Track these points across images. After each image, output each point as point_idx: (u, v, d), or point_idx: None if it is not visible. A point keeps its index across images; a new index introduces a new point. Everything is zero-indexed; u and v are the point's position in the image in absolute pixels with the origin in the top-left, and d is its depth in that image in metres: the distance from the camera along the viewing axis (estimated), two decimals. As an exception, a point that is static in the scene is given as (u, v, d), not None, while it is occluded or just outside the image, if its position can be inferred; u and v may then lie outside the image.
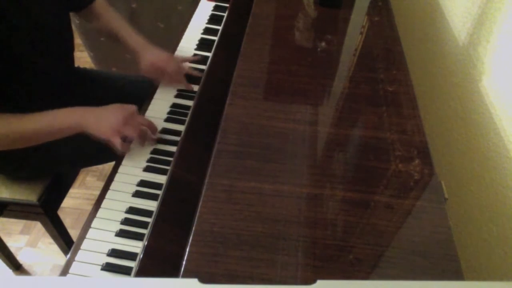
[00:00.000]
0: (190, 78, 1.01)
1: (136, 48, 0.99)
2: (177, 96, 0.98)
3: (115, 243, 0.70)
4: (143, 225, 0.72)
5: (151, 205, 0.76)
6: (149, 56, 0.97)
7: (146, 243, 0.65)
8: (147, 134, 0.85)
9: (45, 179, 1.01)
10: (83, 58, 2.12)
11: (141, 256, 0.64)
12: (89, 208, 0.77)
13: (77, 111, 0.82)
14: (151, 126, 0.86)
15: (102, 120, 0.80)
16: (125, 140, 0.83)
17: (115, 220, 0.74)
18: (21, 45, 0.82)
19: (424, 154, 0.66)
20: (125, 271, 0.67)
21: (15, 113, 0.80)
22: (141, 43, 1.00)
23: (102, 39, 1.70)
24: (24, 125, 0.80)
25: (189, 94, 0.98)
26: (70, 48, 1.02)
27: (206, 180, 0.60)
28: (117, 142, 0.79)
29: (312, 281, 0.36)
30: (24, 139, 0.82)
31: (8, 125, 0.79)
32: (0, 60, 0.80)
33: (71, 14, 1.03)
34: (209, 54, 1.06)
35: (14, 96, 0.88)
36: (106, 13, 1.04)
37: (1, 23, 0.76)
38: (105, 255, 0.69)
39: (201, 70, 1.03)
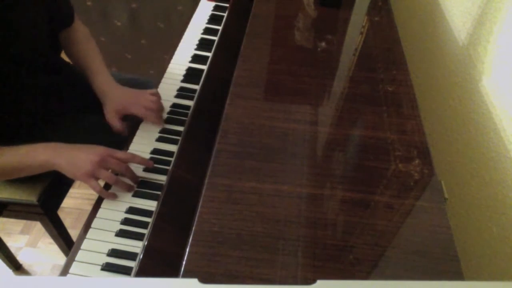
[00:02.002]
0: (189, 78, 1.01)
1: (101, 90, 0.90)
2: (177, 96, 0.98)
3: (115, 243, 0.70)
4: (143, 225, 0.72)
5: (151, 205, 0.76)
6: (115, 104, 0.88)
7: (146, 243, 0.65)
8: (129, 174, 0.78)
9: (45, 179, 1.01)
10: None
11: (141, 256, 0.64)
12: (89, 208, 0.77)
13: (48, 149, 0.77)
14: (135, 159, 0.79)
15: (75, 163, 0.75)
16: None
17: (115, 220, 0.74)
18: (7, 60, 0.80)
19: (424, 154, 0.66)
20: (125, 271, 0.67)
21: (16, 129, 0.79)
22: (108, 86, 0.90)
23: (102, 39, 1.71)
24: None
25: (189, 94, 0.98)
26: (57, 57, 1.00)
27: (206, 180, 0.60)
28: (93, 187, 0.75)
29: (312, 281, 0.36)
30: None
31: None
32: None
33: None
34: (209, 54, 1.06)
35: (13, 99, 0.88)
36: (84, 40, 0.98)
37: None
38: (105, 255, 0.69)
39: (201, 70, 1.03)
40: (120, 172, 0.77)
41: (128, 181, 0.78)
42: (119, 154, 0.78)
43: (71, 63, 1.03)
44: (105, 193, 0.76)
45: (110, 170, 0.78)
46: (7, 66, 0.81)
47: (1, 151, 0.77)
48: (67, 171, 0.76)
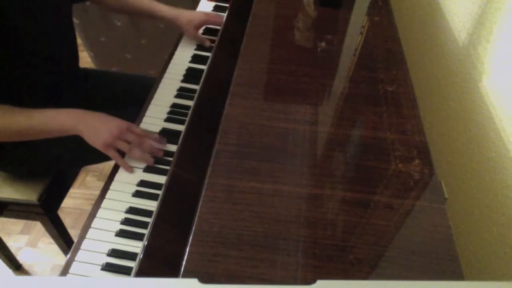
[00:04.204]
0: (189, 78, 1.01)
1: (174, 16, 1.06)
2: (177, 96, 0.98)
3: (115, 243, 0.70)
4: (143, 225, 0.72)
5: (151, 205, 0.76)
6: (192, 20, 1.06)
7: (146, 243, 0.65)
8: (146, 146, 0.83)
9: (45, 179, 1.01)
10: (83, 58, 2.11)
11: (141, 256, 0.64)
12: (89, 208, 0.77)
13: (73, 114, 0.82)
14: (150, 135, 0.84)
15: (97, 131, 0.81)
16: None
17: (115, 220, 0.74)
18: (24, 44, 0.82)
19: (424, 154, 0.66)
20: (125, 271, 0.67)
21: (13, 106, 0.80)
22: (175, 10, 1.06)
23: (102, 39, 1.70)
24: (20, 121, 0.80)
25: (189, 94, 0.98)
26: (74, 49, 1.02)
27: (206, 180, 0.60)
28: (112, 155, 0.81)
29: (312, 281, 0.36)
30: (18, 134, 0.82)
31: (2, 119, 0.79)
32: (3, 59, 0.80)
33: (78, 8, 1.02)
34: (209, 54, 1.06)
35: (15, 94, 0.88)
36: None
37: (3, 22, 0.76)
38: (105, 255, 0.69)
39: (201, 70, 1.03)
40: (137, 145, 0.82)
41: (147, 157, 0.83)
42: (137, 129, 0.84)
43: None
44: (123, 163, 0.81)
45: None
46: (24, 41, 0.83)
47: (29, 112, 0.81)
48: (88, 139, 0.81)
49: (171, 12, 1.07)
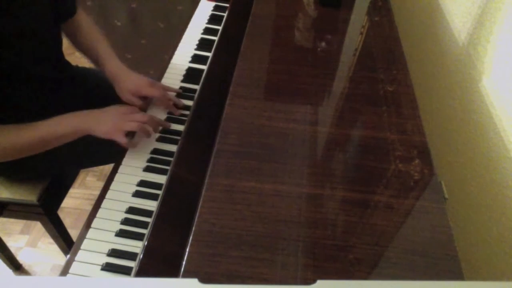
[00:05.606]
0: (189, 78, 1.01)
1: (114, 73, 0.93)
2: (177, 96, 0.98)
3: (115, 243, 0.70)
4: (143, 225, 0.72)
5: (151, 205, 0.76)
6: (129, 84, 0.91)
7: (146, 243, 0.65)
8: (152, 124, 0.84)
9: (45, 179, 1.01)
10: (83, 58, 2.11)
11: (141, 256, 0.64)
12: (89, 208, 0.77)
13: (77, 116, 0.83)
14: (153, 121, 0.85)
15: (102, 121, 0.81)
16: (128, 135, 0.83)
17: (115, 220, 0.74)
18: (11, 51, 0.81)
19: (424, 154, 0.66)
20: (125, 271, 0.67)
21: (16, 123, 0.80)
22: (120, 69, 0.94)
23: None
24: (27, 135, 0.80)
25: (189, 94, 0.98)
26: (60, 51, 1.01)
27: (206, 180, 0.60)
28: (121, 140, 0.81)
29: (312, 281, 0.36)
30: (29, 148, 0.82)
31: (8, 137, 0.79)
32: None
33: None
34: (209, 54, 1.06)
35: (14, 100, 0.88)
36: (89, 28, 1.01)
37: None
38: (105, 255, 0.69)
39: (199, 70, 1.03)
40: (145, 123, 0.82)
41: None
42: (138, 114, 0.84)
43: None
44: (130, 143, 0.83)
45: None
46: (9, 58, 0.82)
47: (34, 125, 0.81)
48: (97, 131, 0.81)
49: (112, 69, 0.94)
